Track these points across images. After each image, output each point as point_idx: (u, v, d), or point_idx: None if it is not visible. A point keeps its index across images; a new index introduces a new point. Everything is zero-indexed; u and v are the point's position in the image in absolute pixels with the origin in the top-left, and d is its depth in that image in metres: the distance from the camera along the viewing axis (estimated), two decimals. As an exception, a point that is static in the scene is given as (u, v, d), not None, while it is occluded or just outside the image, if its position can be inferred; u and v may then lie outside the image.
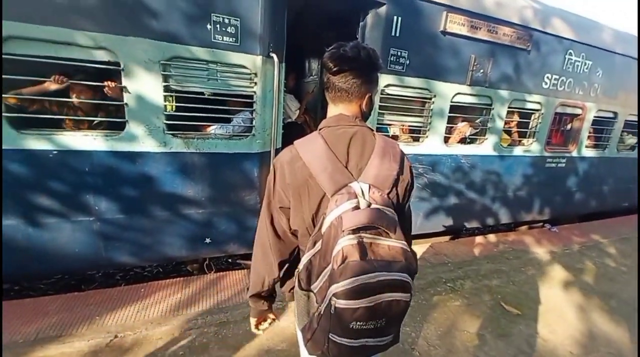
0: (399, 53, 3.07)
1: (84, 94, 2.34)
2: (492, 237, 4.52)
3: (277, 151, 2.90)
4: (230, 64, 2.48)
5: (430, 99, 3.40)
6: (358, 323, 0.85)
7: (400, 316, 0.91)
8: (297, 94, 3.67)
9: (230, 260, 3.67)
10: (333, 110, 1.07)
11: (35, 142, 2.17)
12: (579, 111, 4.51)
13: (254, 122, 2.71)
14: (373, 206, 0.90)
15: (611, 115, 4.85)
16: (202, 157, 2.62)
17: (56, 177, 2.27)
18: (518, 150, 4.25)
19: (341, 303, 0.82)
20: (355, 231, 0.85)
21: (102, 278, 3.58)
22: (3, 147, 2.09)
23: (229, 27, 2.40)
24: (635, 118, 5.12)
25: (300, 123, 3.69)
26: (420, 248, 3.95)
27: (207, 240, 2.89)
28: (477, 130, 3.93)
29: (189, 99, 2.49)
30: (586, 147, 4.80)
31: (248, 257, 3.48)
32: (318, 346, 0.95)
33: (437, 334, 2.45)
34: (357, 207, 0.88)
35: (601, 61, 4.37)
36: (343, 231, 0.85)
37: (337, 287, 0.82)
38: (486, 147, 3.96)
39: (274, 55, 2.59)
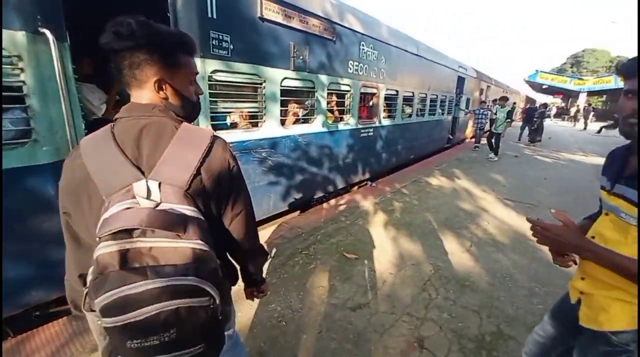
0: (220, 36, 2.95)
1: None
2: (333, 201, 5.33)
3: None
4: None
5: (261, 84, 3.51)
6: (135, 342, 0.74)
7: (202, 323, 0.80)
8: (102, 84, 2.95)
9: (38, 313, 2.68)
10: (130, 98, 0.92)
11: None
12: (375, 91, 5.78)
13: (32, 123, 2.01)
14: (163, 204, 0.80)
15: (394, 93, 6.48)
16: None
17: None
18: (340, 126, 5.08)
19: (106, 321, 0.73)
20: (116, 235, 0.75)
21: None
22: None
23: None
24: (409, 94, 7.07)
25: (113, 119, 2.98)
26: (275, 227, 4.21)
27: (-8, 296, 2.04)
28: (307, 111, 4.40)
29: None
30: (383, 118, 6.27)
31: (63, 301, 2.70)
32: None
33: (299, 299, 2.74)
34: (129, 208, 0.78)
35: (383, 51, 5.69)
36: (99, 238, 0.75)
37: (97, 304, 0.73)
38: (316, 125, 4.52)
39: (47, 31, 1.95)
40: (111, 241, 0.73)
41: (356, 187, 6.49)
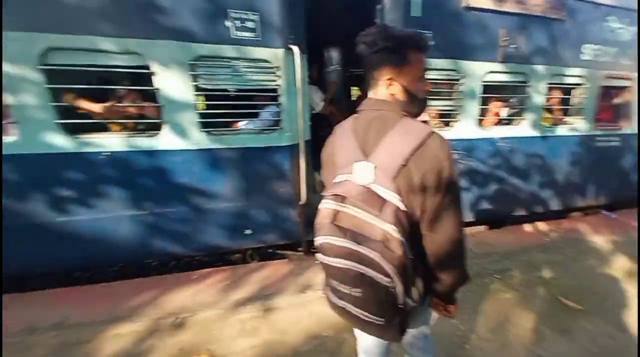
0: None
1: (124, 99, 2.58)
2: (541, 225, 4.18)
3: (306, 143, 2.97)
4: (252, 59, 2.61)
5: (459, 80, 3.29)
6: (334, 281, 0.99)
7: (381, 299, 0.92)
8: (321, 85, 3.74)
9: (270, 250, 3.76)
10: (368, 94, 1.11)
11: (86, 146, 2.43)
12: (627, 83, 4.08)
13: (281, 116, 2.80)
14: (373, 185, 0.93)
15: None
16: (234, 152, 2.75)
17: (108, 177, 2.52)
18: (562, 130, 3.93)
19: (319, 257, 1.00)
20: (336, 197, 0.95)
21: (158, 266, 3.85)
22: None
23: (248, 22, 2.53)
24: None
25: (327, 114, 3.74)
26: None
27: (247, 231, 3.02)
28: (514, 110, 3.71)
29: (217, 96, 2.64)
30: (640, 122, 4.32)
31: (286, 247, 3.54)
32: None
33: (489, 328, 2.31)
34: (348, 181, 0.97)
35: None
36: (324, 195, 0.99)
37: (316, 242, 0.99)
38: (525, 128, 3.72)
39: (295, 47, 2.68)
40: (331, 201, 0.96)
41: (578, 213, 4.81)
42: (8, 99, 2.21)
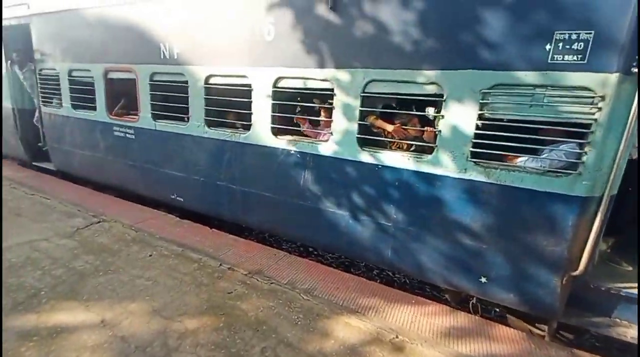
0: None
1: (412, 123, 2.84)
2: None
3: (611, 199, 2.14)
4: (565, 86, 2.09)
5: None
6: None
7: None
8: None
9: (497, 310, 3.18)
10: None
11: (369, 157, 2.87)
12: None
13: (583, 158, 2.13)
14: None
15: None
16: (501, 190, 2.39)
17: (375, 185, 2.88)
18: None
19: None
20: None
21: (364, 268, 4.28)
22: (350, 158, 2.92)
23: (576, 44, 2.01)
24: None
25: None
26: None
27: (483, 279, 2.63)
28: None
29: (499, 127, 2.34)
30: None
31: (523, 317, 2.86)
32: None
33: None
34: None
35: None
36: None
37: None
38: None
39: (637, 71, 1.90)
40: None
41: None
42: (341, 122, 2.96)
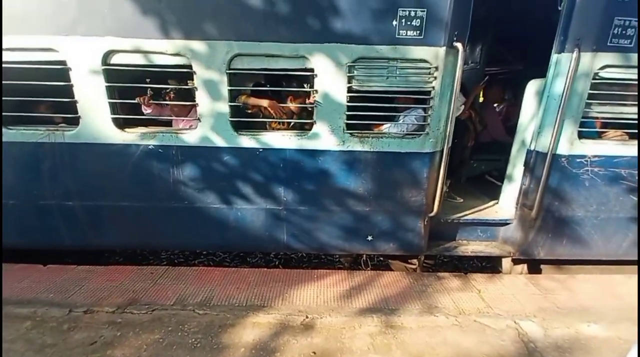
0: (625, 23, 2.34)
1: (291, 101, 2.70)
2: None
3: (448, 151, 2.67)
4: (410, 59, 2.39)
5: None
6: None
7: None
8: (464, 89, 3.30)
9: (381, 259, 3.65)
10: None
11: (248, 141, 2.60)
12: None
13: (428, 120, 2.55)
14: None
15: None
16: (374, 156, 2.63)
17: (259, 170, 2.68)
18: None
19: None
20: None
21: (261, 255, 4.17)
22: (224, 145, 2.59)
23: (414, 20, 2.30)
24: None
25: (464, 119, 3.30)
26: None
27: (369, 237, 2.91)
28: None
29: (364, 98, 2.52)
30: None
31: (399, 258, 3.38)
32: None
33: None
34: None
35: None
36: None
37: None
38: None
39: (459, 45, 2.36)
40: None
41: None
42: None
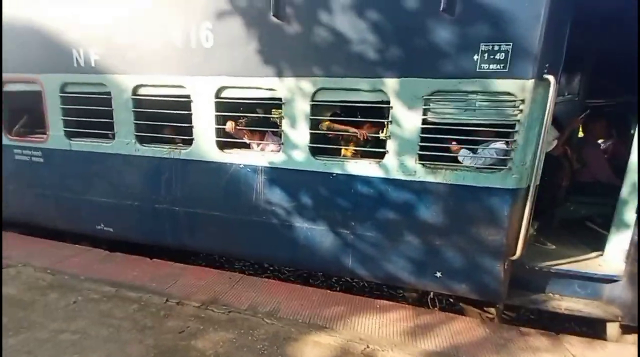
0: None
1: (366, 130, 2.90)
2: None
3: (536, 189, 2.43)
4: (493, 92, 2.33)
5: None
6: None
7: None
8: (557, 123, 3.02)
9: (452, 300, 3.38)
10: None
11: (322, 166, 2.83)
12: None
13: (511, 154, 2.40)
14: None
15: None
16: (447, 188, 2.56)
17: (329, 195, 2.85)
18: None
19: None
20: None
21: (323, 278, 4.24)
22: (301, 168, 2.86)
23: (498, 54, 2.27)
24: None
25: (557, 155, 2.97)
26: None
27: (438, 274, 2.76)
28: None
29: (440, 130, 2.51)
30: None
31: (474, 304, 3.08)
32: None
33: None
34: None
35: None
36: None
37: None
38: None
39: (550, 77, 2.22)
40: None
41: None
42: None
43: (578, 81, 3.91)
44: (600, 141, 3.80)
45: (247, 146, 3.22)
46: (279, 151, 2.95)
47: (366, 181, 2.73)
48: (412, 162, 2.59)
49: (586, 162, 3.33)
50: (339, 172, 2.79)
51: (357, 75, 2.60)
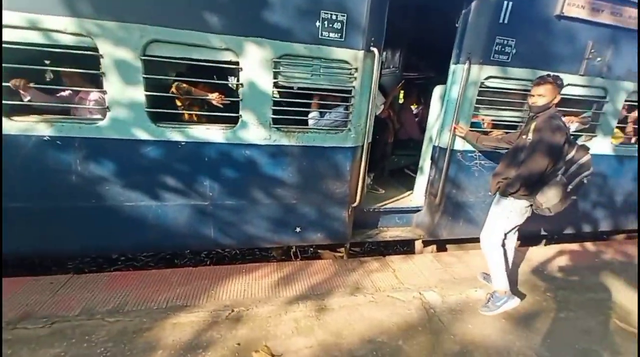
0: (504, 41, 2.84)
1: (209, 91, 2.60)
2: (589, 245, 4.03)
3: (369, 146, 2.91)
4: (333, 59, 2.53)
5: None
6: None
7: None
8: (382, 90, 3.62)
9: (312, 249, 3.81)
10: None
11: (167, 134, 2.46)
12: None
13: (350, 117, 2.74)
14: None
15: None
16: (299, 150, 2.73)
17: (180, 166, 2.55)
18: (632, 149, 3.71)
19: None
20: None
21: (191, 255, 4.00)
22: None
23: (336, 23, 2.43)
24: None
25: (384, 118, 3.64)
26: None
27: (298, 229, 3.03)
28: (586, 126, 3.49)
29: (291, 94, 2.60)
30: None
31: (328, 248, 3.59)
32: None
33: (546, 346, 2.27)
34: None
35: None
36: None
37: None
38: (596, 144, 3.50)
39: (375, 49, 2.58)
40: None
41: (623, 235, 4.63)
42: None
43: (398, 57, 4.76)
44: (413, 107, 4.86)
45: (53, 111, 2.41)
46: (102, 119, 2.35)
47: (220, 148, 2.57)
48: (266, 126, 2.59)
49: (403, 123, 4.23)
50: (187, 140, 2.50)
51: (200, 28, 2.26)
